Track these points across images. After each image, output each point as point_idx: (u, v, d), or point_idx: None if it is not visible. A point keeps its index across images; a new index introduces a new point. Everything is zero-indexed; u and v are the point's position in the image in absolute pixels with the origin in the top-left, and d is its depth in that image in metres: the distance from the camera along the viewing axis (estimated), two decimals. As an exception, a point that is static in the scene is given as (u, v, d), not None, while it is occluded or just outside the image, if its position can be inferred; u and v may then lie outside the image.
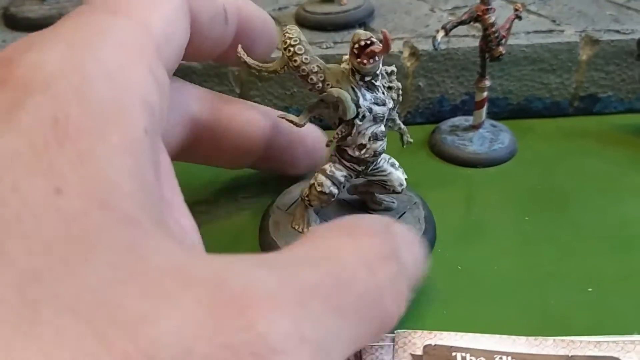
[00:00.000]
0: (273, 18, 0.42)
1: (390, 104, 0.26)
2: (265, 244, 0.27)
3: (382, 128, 0.26)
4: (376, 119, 0.25)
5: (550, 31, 0.38)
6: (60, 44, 0.16)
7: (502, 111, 0.39)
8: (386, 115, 0.26)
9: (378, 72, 0.25)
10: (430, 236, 0.28)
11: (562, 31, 0.38)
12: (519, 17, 0.33)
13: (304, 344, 0.13)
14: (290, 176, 0.32)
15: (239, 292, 0.13)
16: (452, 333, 0.23)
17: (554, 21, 0.39)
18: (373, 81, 0.25)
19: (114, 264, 0.12)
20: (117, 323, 0.11)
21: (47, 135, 0.14)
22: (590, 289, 0.25)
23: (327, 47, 0.37)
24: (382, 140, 0.26)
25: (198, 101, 0.27)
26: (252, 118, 0.28)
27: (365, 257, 0.16)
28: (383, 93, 0.25)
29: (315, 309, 0.14)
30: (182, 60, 0.25)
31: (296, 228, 0.27)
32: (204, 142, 0.27)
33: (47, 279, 0.12)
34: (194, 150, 0.28)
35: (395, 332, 0.23)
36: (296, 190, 0.30)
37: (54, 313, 0.11)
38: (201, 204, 0.32)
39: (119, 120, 0.15)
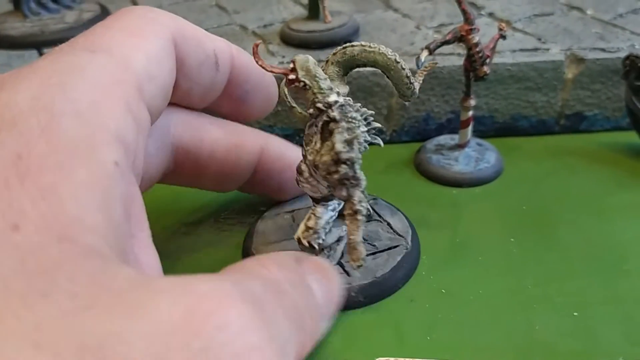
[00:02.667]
0: (257, 35, 0.42)
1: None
2: None
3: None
4: None
5: (536, 49, 0.38)
6: (33, 82, 0.16)
7: (488, 129, 0.38)
8: None
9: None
10: (414, 251, 0.28)
11: (548, 49, 0.38)
12: (503, 37, 0.33)
13: (273, 342, 0.14)
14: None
15: (206, 294, 0.13)
16: (436, 360, 0.22)
17: (539, 39, 0.39)
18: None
19: (74, 293, 0.12)
20: (84, 349, 0.11)
21: (9, 172, 0.14)
22: (575, 313, 0.25)
23: (311, 66, 0.37)
24: None
25: (181, 124, 0.26)
26: (239, 142, 0.28)
27: (280, 282, 0.17)
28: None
29: (271, 312, 0.15)
30: (174, 104, 0.24)
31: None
32: (187, 166, 0.27)
33: (6, 316, 0.12)
34: (177, 174, 0.27)
35: (376, 359, 0.22)
36: (275, 219, 0.30)
37: (16, 349, 0.11)
38: (182, 225, 0.31)
39: (87, 156, 0.15)
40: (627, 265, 0.27)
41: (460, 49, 0.37)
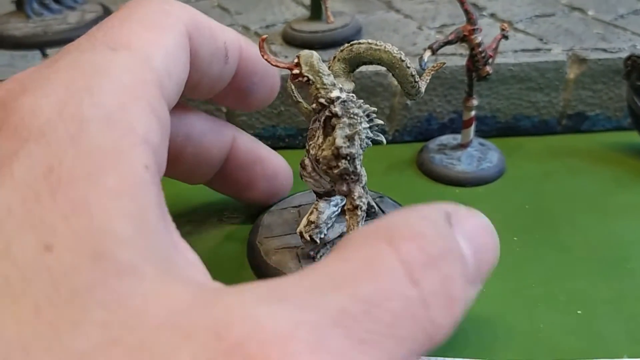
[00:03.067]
0: (260, 36, 0.42)
1: None
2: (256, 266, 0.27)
3: None
4: None
5: (538, 50, 0.38)
6: (57, 86, 0.16)
7: (491, 129, 0.39)
8: None
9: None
10: None
11: (550, 50, 0.38)
12: (505, 37, 0.33)
13: None
14: (255, 204, 0.31)
15: (241, 339, 0.11)
16: (440, 358, 0.22)
17: (541, 40, 0.39)
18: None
19: (106, 322, 0.12)
20: None
21: (40, 186, 0.14)
22: (579, 312, 0.25)
23: (314, 66, 0.37)
24: None
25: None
26: (214, 129, 0.28)
27: (406, 266, 0.14)
28: None
29: (338, 344, 0.12)
30: (183, 95, 0.24)
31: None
32: None
33: (35, 349, 0.11)
34: None
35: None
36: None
37: None
38: (186, 223, 0.31)
39: (117, 164, 0.15)
40: (630, 264, 0.27)
41: (462, 49, 0.37)
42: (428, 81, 0.27)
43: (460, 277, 0.15)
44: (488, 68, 0.32)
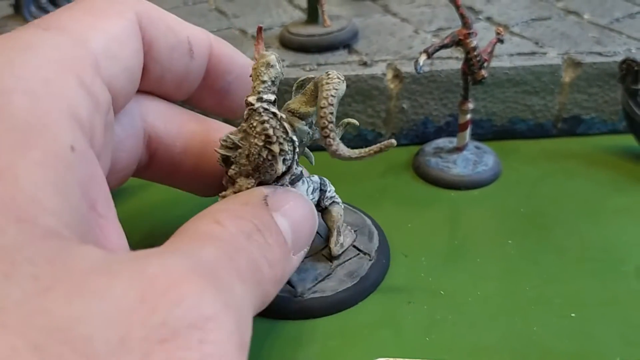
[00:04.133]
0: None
1: None
2: None
3: None
4: None
5: (533, 53, 0.38)
6: None
7: (486, 132, 0.39)
8: None
9: None
10: (386, 253, 0.28)
11: (545, 53, 0.38)
12: (500, 41, 0.33)
13: (229, 309, 0.14)
14: None
15: (159, 274, 0.14)
16: (434, 361, 0.22)
17: (537, 43, 0.40)
18: None
19: (36, 275, 0.12)
20: (49, 330, 0.12)
21: None
22: (573, 314, 0.25)
23: (310, 70, 0.37)
24: None
25: (153, 113, 0.25)
26: (217, 138, 0.26)
27: (234, 236, 0.18)
28: None
29: (226, 278, 0.16)
30: (151, 92, 0.24)
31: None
32: (160, 159, 0.26)
33: None
34: (152, 167, 0.26)
35: (376, 359, 0.22)
36: None
37: None
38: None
39: (41, 136, 0.15)
40: (624, 267, 0.27)
41: (458, 53, 0.38)
42: (361, 154, 0.23)
43: (279, 245, 0.20)
44: (483, 72, 0.32)
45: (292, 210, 0.22)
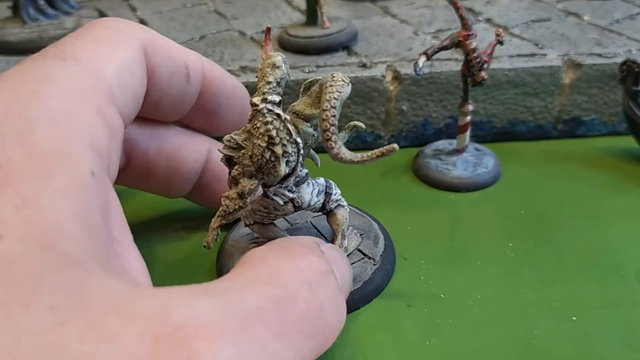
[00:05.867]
0: (256, 42, 0.42)
1: None
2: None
3: None
4: None
5: (533, 55, 0.38)
6: (4, 90, 0.17)
7: (486, 134, 0.39)
8: None
9: None
10: (391, 259, 0.28)
11: (545, 55, 0.38)
12: (500, 43, 0.33)
13: None
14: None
15: (180, 324, 0.13)
16: (434, 365, 0.22)
17: (536, 45, 0.39)
18: None
19: (54, 306, 0.12)
20: None
21: None
22: (574, 318, 0.25)
23: (309, 71, 0.37)
24: None
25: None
26: (188, 142, 0.28)
27: (305, 275, 0.17)
28: None
29: (259, 334, 0.14)
30: (144, 116, 0.25)
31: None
32: (135, 163, 0.26)
33: None
34: (128, 171, 0.27)
35: (375, 364, 0.22)
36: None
37: None
38: (181, 229, 0.31)
39: (64, 164, 0.15)
40: (624, 270, 0.27)
41: (458, 55, 0.37)
42: (363, 159, 0.23)
43: (338, 288, 0.19)
44: (483, 73, 0.32)
45: (339, 266, 0.21)
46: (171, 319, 0.13)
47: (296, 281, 0.17)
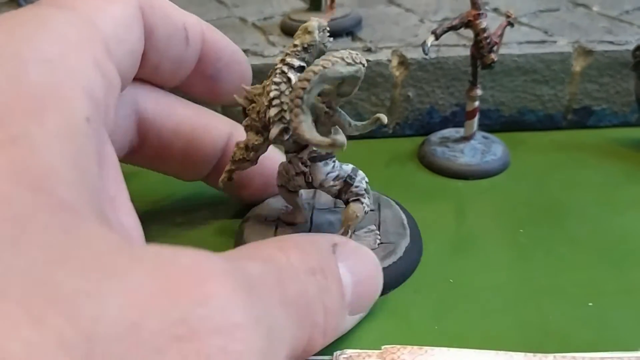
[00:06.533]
0: (257, 27, 0.41)
1: None
2: None
3: None
4: None
5: (543, 42, 0.37)
6: (0, 32, 0.16)
7: (494, 123, 0.37)
8: None
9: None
10: (417, 241, 0.26)
11: (555, 42, 0.37)
12: (511, 24, 0.32)
13: (260, 325, 0.12)
14: (248, 201, 0.29)
15: (190, 266, 0.12)
16: (444, 349, 0.21)
17: (546, 32, 0.38)
18: None
19: (48, 244, 0.11)
20: (53, 302, 0.10)
21: None
22: (590, 304, 0.23)
23: (313, 55, 0.36)
24: None
25: (147, 97, 0.25)
26: (206, 123, 0.27)
27: (296, 268, 0.17)
28: None
29: (265, 296, 0.14)
30: (145, 80, 0.24)
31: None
32: (150, 142, 0.26)
33: None
34: (142, 151, 0.26)
35: (382, 347, 0.21)
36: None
37: None
38: (177, 214, 0.30)
39: (58, 106, 0.14)
40: (641, 256, 0.26)
41: (466, 40, 0.36)
42: (319, 142, 0.21)
43: (338, 295, 0.18)
44: (493, 55, 0.31)
45: (357, 268, 0.20)
46: (179, 261, 0.12)
47: (288, 268, 0.17)
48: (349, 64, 0.21)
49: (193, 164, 0.27)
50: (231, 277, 0.13)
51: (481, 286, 0.25)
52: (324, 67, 0.20)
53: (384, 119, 0.23)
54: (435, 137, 0.36)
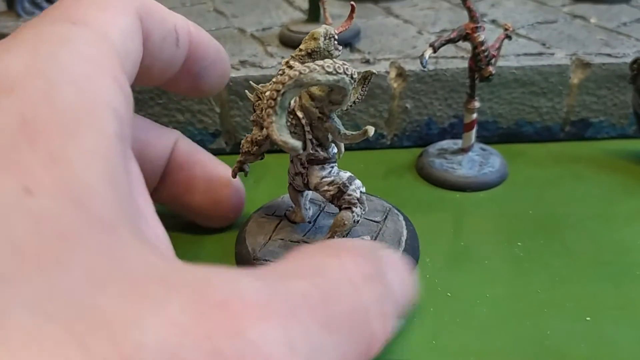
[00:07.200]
0: (256, 38, 0.41)
1: None
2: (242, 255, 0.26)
3: None
4: None
5: (541, 54, 0.37)
6: (23, 52, 0.16)
7: (492, 135, 0.37)
8: None
9: None
10: (414, 251, 0.26)
11: (553, 54, 0.37)
12: (508, 37, 0.32)
13: (294, 355, 0.12)
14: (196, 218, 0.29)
15: (225, 297, 0.12)
16: (442, 364, 0.21)
17: (544, 44, 0.38)
18: None
19: (91, 266, 0.11)
20: (97, 326, 0.10)
21: (16, 134, 0.13)
22: (588, 318, 0.23)
23: (311, 67, 0.36)
24: None
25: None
26: (154, 128, 0.27)
27: (350, 275, 0.16)
28: None
29: (305, 320, 0.13)
30: (136, 79, 0.24)
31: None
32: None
33: (17, 281, 0.11)
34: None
35: (379, 363, 0.21)
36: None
37: (26, 316, 0.10)
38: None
39: (90, 124, 0.14)
40: (639, 271, 0.26)
41: (464, 52, 0.36)
42: (289, 145, 0.21)
43: (390, 299, 0.17)
44: (491, 68, 0.31)
45: (397, 276, 0.19)
46: (215, 291, 0.12)
47: (341, 279, 0.16)
48: (328, 72, 0.21)
49: (144, 171, 0.27)
50: (268, 308, 0.12)
51: (479, 300, 0.25)
52: (301, 73, 0.21)
53: (371, 131, 0.24)
54: (433, 148, 0.36)
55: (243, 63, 0.36)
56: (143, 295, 0.11)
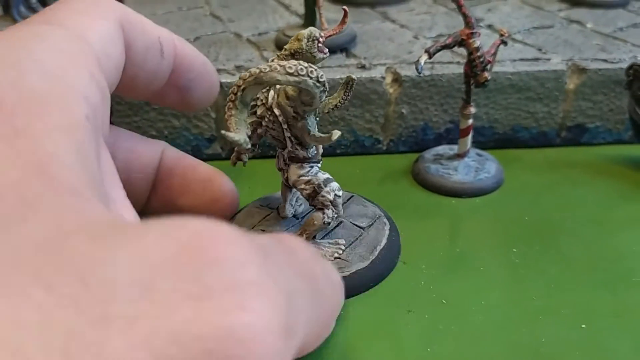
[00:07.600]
0: (252, 43, 0.41)
1: None
2: None
3: None
4: None
5: (537, 59, 0.37)
6: None
7: (488, 140, 0.37)
8: None
9: None
10: (375, 269, 0.26)
11: (549, 59, 0.37)
12: (504, 43, 0.32)
13: (276, 285, 0.12)
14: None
15: (200, 230, 0.12)
16: (436, 372, 0.21)
17: (540, 50, 0.38)
18: None
19: (58, 221, 0.11)
20: (64, 268, 0.10)
21: None
22: (583, 326, 0.23)
23: (307, 72, 0.36)
24: None
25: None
26: (141, 139, 0.27)
27: (303, 245, 0.16)
28: None
29: (277, 261, 0.13)
30: (119, 93, 0.24)
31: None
32: None
33: None
34: None
35: (374, 371, 0.21)
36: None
37: None
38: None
39: (58, 105, 0.15)
40: (635, 277, 0.26)
41: (460, 58, 0.36)
42: (240, 142, 0.22)
43: (330, 268, 0.17)
44: (486, 74, 0.31)
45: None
46: (189, 226, 0.12)
47: (297, 244, 0.16)
48: (289, 73, 0.22)
49: (134, 184, 0.27)
50: (244, 240, 0.12)
51: (474, 307, 0.24)
52: (261, 71, 0.21)
53: (335, 135, 0.24)
54: (429, 154, 0.36)
55: (239, 68, 0.36)
56: (114, 237, 0.11)
